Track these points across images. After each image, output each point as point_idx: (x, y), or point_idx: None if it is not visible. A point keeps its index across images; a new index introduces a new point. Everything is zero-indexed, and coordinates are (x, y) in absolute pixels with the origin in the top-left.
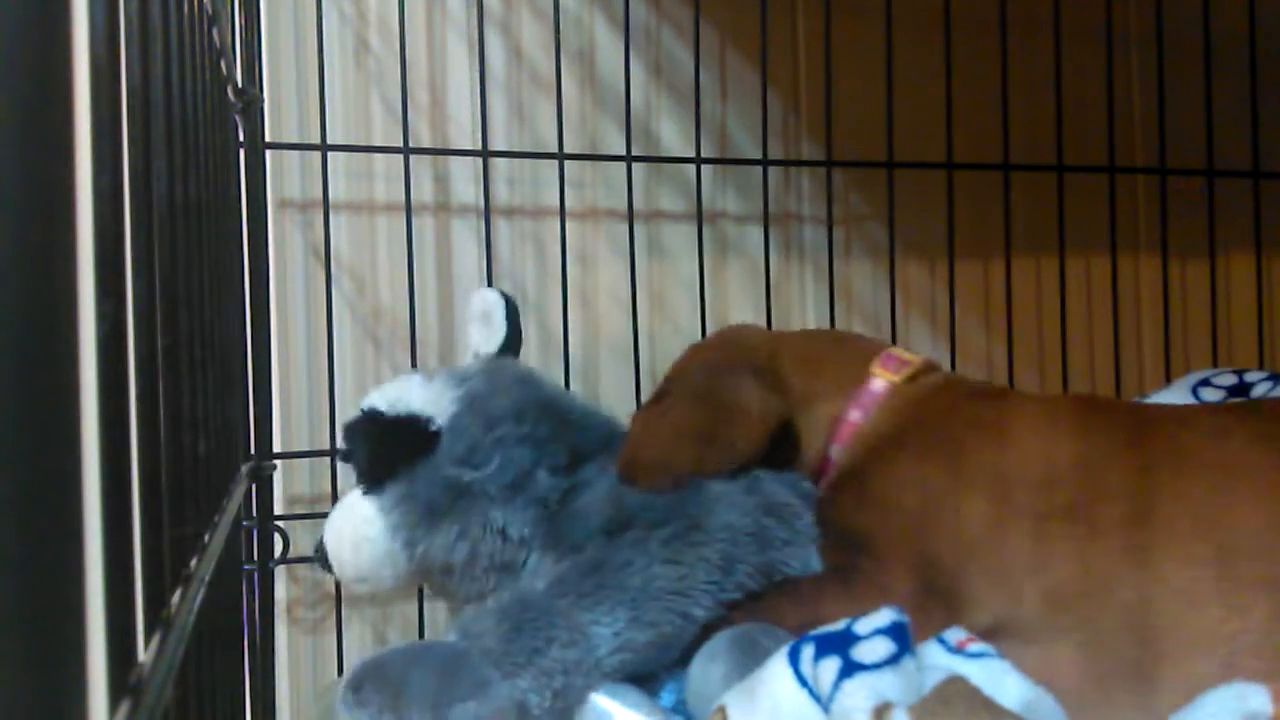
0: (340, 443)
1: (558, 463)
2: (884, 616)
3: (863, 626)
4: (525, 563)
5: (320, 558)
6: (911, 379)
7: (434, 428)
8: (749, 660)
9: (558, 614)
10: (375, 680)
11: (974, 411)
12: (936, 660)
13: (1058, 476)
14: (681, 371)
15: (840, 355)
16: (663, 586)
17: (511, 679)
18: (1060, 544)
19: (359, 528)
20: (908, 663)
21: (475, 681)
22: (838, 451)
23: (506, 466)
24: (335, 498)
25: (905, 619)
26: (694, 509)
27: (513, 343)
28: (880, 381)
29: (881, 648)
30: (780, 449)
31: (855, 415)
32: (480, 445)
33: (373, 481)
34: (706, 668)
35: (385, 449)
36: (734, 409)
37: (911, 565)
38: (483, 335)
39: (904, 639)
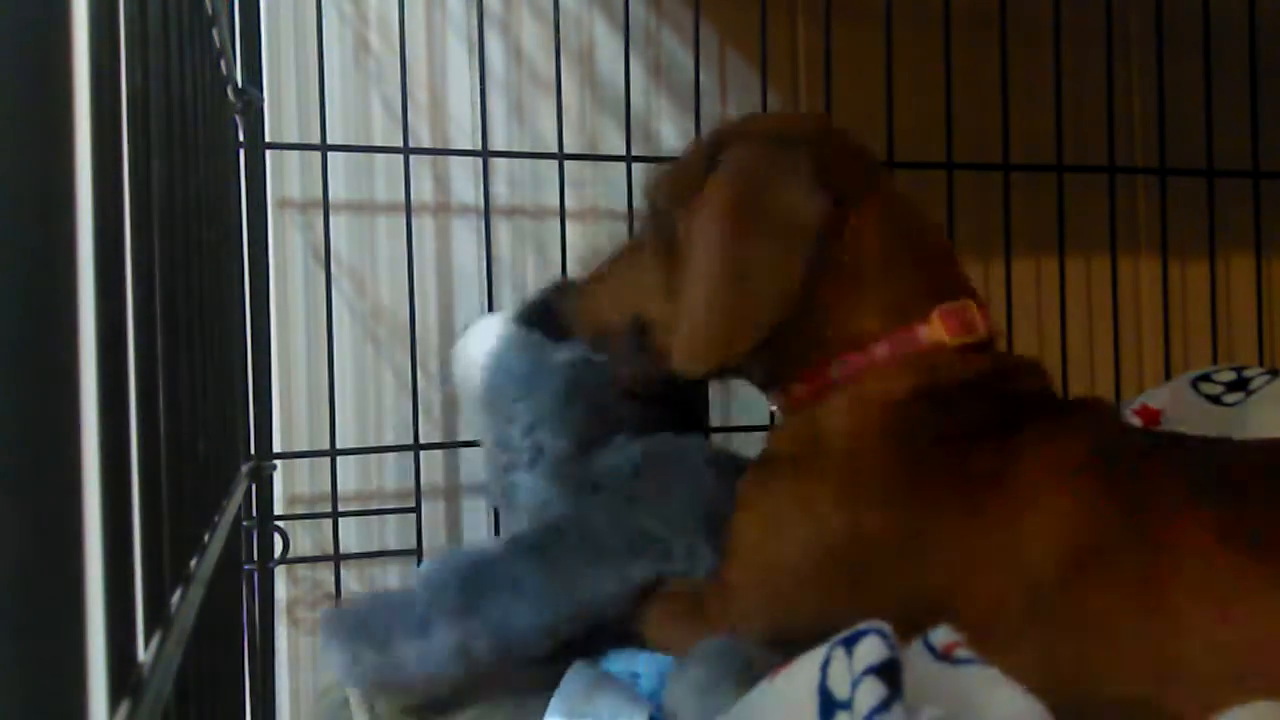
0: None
1: (609, 418)
2: (874, 651)
3: (854, 666)
4: (528, 463)
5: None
6: (963, 351)
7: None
8: (733, 671)
9: (502, 573)
10: (340, 619)
11: (985, 464)
12: (920, 669)
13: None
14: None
15: (930, 265)
16: (602, 549)
17: (450, 625)
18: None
19: (486, 329)
20: (897, 708)
21: (419, 626)
22: (808, 394)
23: (575, 391)
24: (335, 498)
25: (897, 654)
26: (655, 477)
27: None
28: (927, 333)
29: (871, 694)
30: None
31: (878, 352)
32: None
33: (520, 319)
34: (689, 671)
35: (542, 308)
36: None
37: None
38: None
39: (896, 678)
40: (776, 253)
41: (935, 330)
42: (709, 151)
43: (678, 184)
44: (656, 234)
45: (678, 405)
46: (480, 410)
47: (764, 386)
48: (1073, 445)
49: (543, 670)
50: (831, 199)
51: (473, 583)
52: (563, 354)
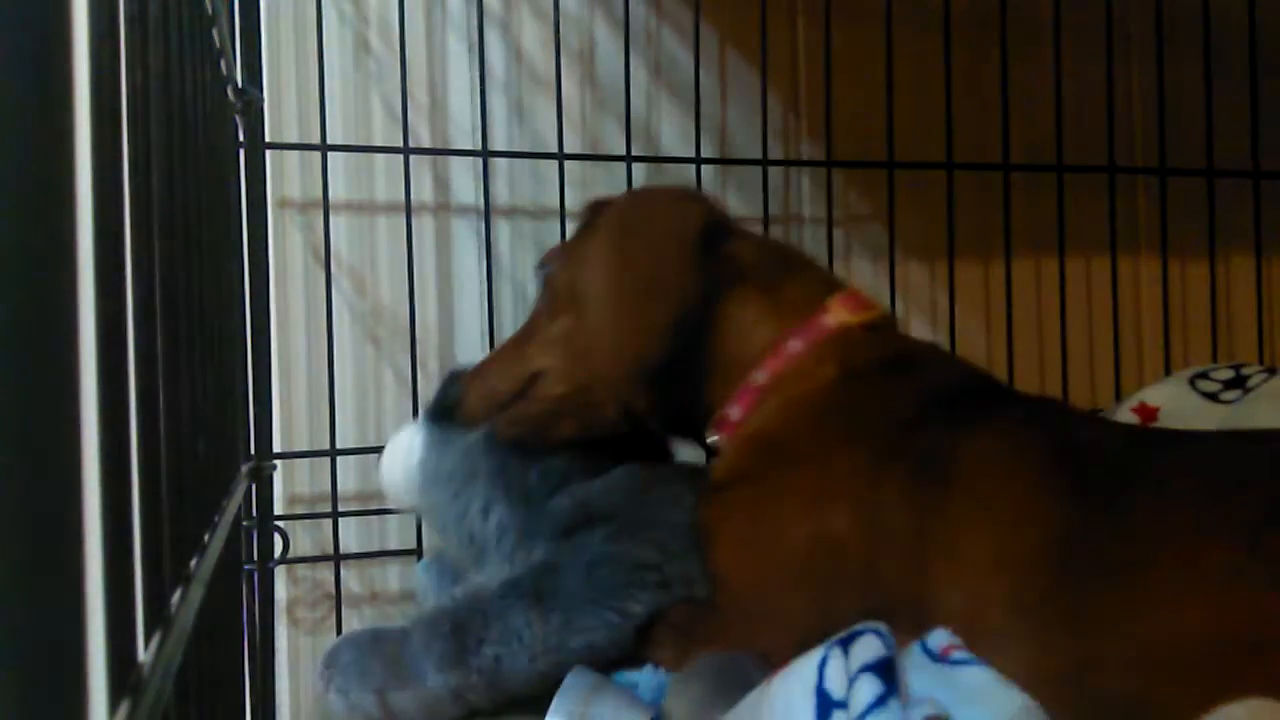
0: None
1: (552, 468)
2: (870, 649)
3: (850, 664)
4: (496, 544)
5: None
6: (871, 327)
7: None
8: (732, 686)
9: (495, 617)
10: (336, 660)
11: (929, 441)
12: (919, 671)
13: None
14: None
15: (811, 267)
16: (600, 587)
17: (444, 673)
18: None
19: (401, 445)
20: (893, 704)
21: (413, 672)
22: (741, 412)
23: (508, 458)
24: (335, 498)
25: (893, 653)
26: (640, 505)
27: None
28: (833, 319)
29: (867, 690)
30: (686, 360)
31: (794, 347)
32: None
33: (431, 415)
34: (688, 685)
35: (447, 401)
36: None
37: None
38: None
39: (891, 676)
40: (666, 261)
41: (838, 314)
42: (587, 218)
43: (563, 250)
44: (545, 301)
45: (631, 443)
46: (431, 518)
47: (701, 426)
48: (1037, 438)
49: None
50: (703, 214)
51: (467, 628)
52: (474, 435)
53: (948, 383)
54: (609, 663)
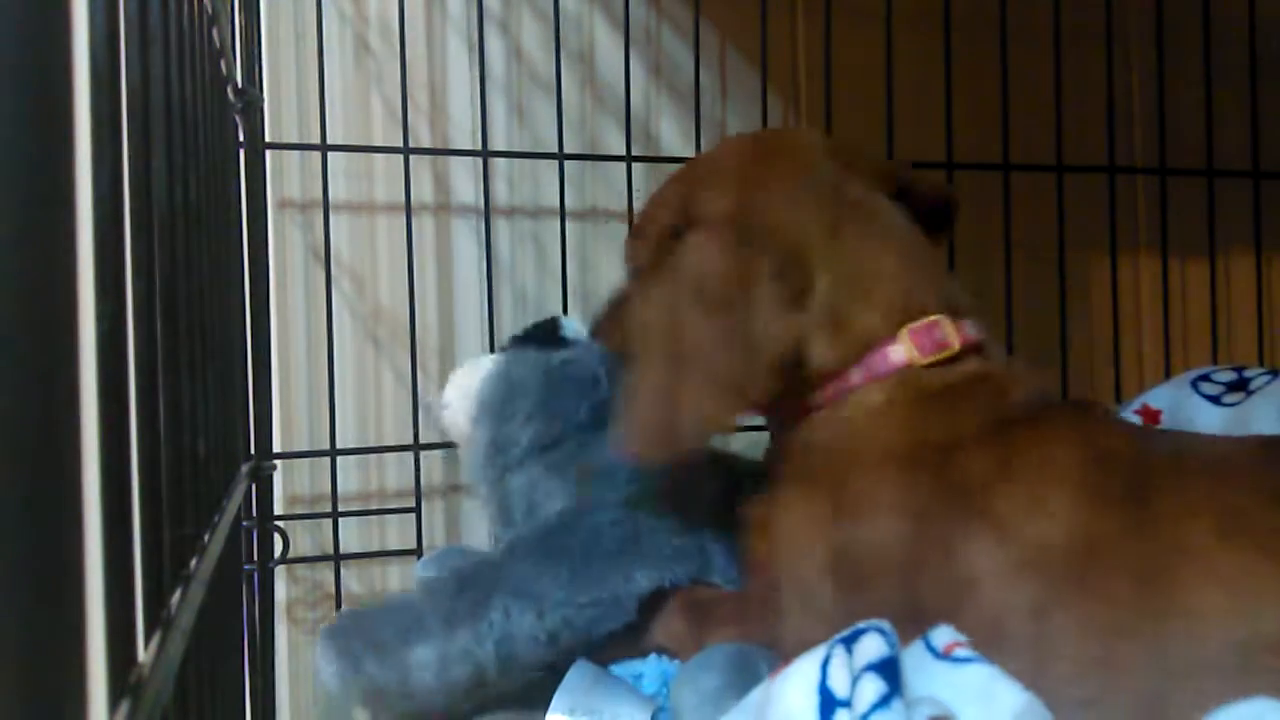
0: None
1: (603, 404)
2: (874, 648)
3: (854, 663)
4: (521, 458)
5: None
6: (934, 365)
7: (568, 336)
8: (742, 679)
9: (503, 574)
10: (339, 628)
11: (967, 475)
12: (922, 668)
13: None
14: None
15: (895, 287)
16: (608, 549)
17: (452, 632)
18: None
19: (473, 368)
20: (897, 704)
21: (419, 633)
22: (791, 422)
23: (564, 385)
24: (335, 498)
25: (896, 652)
26: (664, 475)
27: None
28: (899, 353)
29: (871, 690)
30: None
31: (854, 378)
32: (580, 363)
33: (518, 338)
34: (697, 676)
35: (529, 329)
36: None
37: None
38: None
39: (895, 675)
40: (748, 354)
41: (906, 349)
42: (675, 216)
43: (646, 240)
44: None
45: None
46: (474, 425)
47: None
48: (1063, 450)
49: (544, 673)
50: (794, 299)
51: (473, 586)
52: (558, 356)
53: (996, 404)
54: (613, 653)
